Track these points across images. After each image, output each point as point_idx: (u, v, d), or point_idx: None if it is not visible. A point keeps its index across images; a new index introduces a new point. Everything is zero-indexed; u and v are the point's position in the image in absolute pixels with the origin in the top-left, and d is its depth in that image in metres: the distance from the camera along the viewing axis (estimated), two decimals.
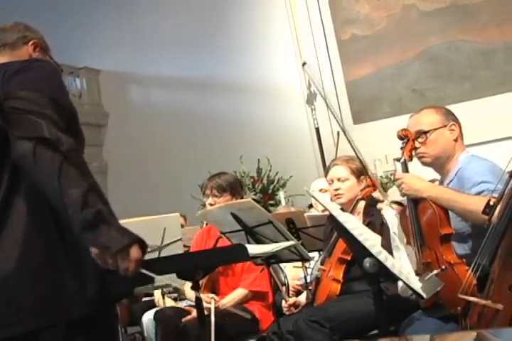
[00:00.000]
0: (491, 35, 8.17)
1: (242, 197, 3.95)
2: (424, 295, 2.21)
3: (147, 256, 2.98)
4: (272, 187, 8.52)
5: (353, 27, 9.03)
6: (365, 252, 2.14)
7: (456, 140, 2.75)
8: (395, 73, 8.72)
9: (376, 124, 8.65)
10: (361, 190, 3.34)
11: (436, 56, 8.53)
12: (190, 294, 4.15)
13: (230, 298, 3.75)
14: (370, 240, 2.18)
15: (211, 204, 3.82)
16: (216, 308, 3.56)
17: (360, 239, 2.16)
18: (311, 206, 5.30)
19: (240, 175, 8.55)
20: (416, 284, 2.20)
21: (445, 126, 2.74)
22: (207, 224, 4.12)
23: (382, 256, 2.13)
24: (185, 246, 3.65)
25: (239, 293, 3.79)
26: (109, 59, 10.51)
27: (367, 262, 2.12)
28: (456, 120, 2.80)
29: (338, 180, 3.40)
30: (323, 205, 2.59)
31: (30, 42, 2.06)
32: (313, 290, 3.41)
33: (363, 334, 3.03)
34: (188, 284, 4.10)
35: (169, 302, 4.36)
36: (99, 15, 10.33)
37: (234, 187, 3.88)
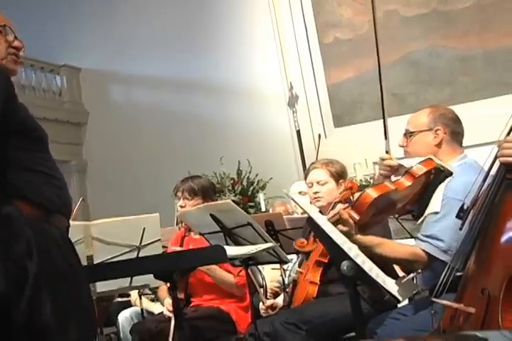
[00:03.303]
0: (471, 42, 8.26)
1: (213, 201, 3.95)
2: (401, 299, 2.24)
3: (126, 256, 3.01)
4: (251, 189, 8.53)
5: (335, 30, 9.06)
6: (343, 255, 2.16)
7: (438, 145, 2.73)
8: (376, 77, 8.74)
9: (357, 128, 8.69)
10: (339, 193, 3.37)
11: (416, 61, 8.61)
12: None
13: (219, 271, 3.72)
14: (348, 243, 2.21)
15: (181, 207, 3.82)
16: (193, 311, 3.57)
17: (338, 241, 2.18)
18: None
19: (220, 176, 8.56)
20: (392, 287, 2.23)
21: (430, 129, 2.73)
22: (184, 224, 4.12)
23: (360, 259, 2.16)
24: (164, 246, 3.65)
25: (228, 277, 3.77)
26: (90, 57, 10.45)
27: (344, 265, 2.14)
28: (448, 124, 2.74)
29: (318, 183, 3.42)
30: (302, 208, 2.61)
31: None
32: (290, 292, 3.43)
33: (340, 336, 3.06)
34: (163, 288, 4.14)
35: (146, 303, 4.35)
36: (82, 12, 10.26)
37: (206, 191, 3.88)
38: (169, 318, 3.47)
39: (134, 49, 9.98)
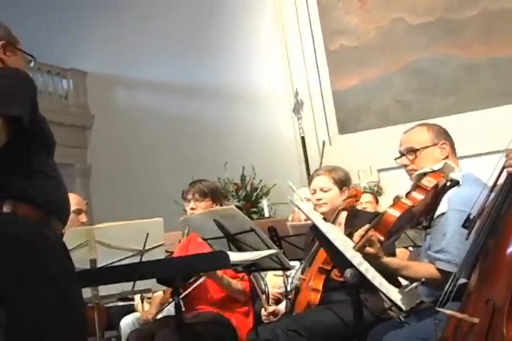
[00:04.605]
0: (476, 51, 8.26)
1: (222, 204, 3.95)
2: (404, 308, 2.22)
3: (129, 260, 2.99)
4: (255, 194, 8.52)
5: (341, 38, 9.08)
6: (346, 263, 2.15)
7: (445, 158, 2.75)
8: (381, 85, 8.77)
9: (361, 135, 8.69)
10: (343, 200, 3.36)
11: (422, 69, 8.61)
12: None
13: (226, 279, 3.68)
14: (352, 251, 2.19)
15: (192, 209, 3.80)
16: (194, 317, 3.54)
17: (341, 249, 2.17)
18: None
19: (224, 181, 8.54)
20: (395, 296, 2.21)
21: (435, 144, 2.75)
22: (189, 230, 4.11)
23: (363, 267, 2.15)
24: (167, 251, 3.64)
25: (236, 283, 3.72)
26: (96, 61, 10.48)
27: (348, 273, 2.13)
28: (447, 138, 2.79)
29: (321, 189, 3.41)
30: (306, 215, 2.60)
31: None
32: (292, 299, 3.41)
33: None
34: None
35: (147, 308, 4.33)
36: (89, 17, 10.29)
37: (215, 193, 3.87)
38: (167, 324, 3.45)
39: (139, 53, 10.00)
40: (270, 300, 3.96)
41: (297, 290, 3.36)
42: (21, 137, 1.76)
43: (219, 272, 3.55)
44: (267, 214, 7.92)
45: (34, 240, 1.74)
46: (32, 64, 2.06)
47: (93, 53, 10.40)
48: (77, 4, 10.39)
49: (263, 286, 4.00)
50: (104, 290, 3.10)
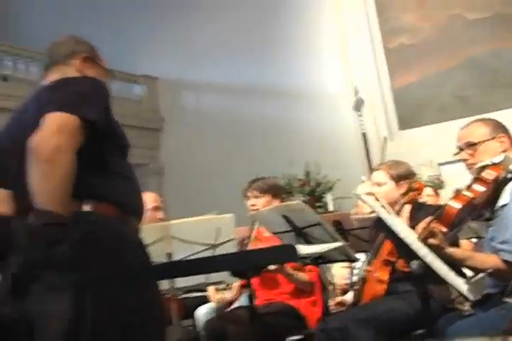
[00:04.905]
0: None
1: (282, 199, 3.95)
2: (471, 298, 2.17)
3: (202, 254, 3.03)
4: (319, 189, 8.49)
5: (400, 36, 8.95)
6: (412, 254, 2.12)
7: (504, 152, 2.68)
8: (440, 80, 8.61)
9: (421, 130, 8.56)
10: (403, 194, 3.31)
11: (480, 64, 8.40)
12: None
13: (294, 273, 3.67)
14: (417, 243, 2.16)
15: (252, 205, 3.84)
16: (264, 307, 3.56)
17: (407, 241, 2.14)
18: None
19: (289, 177, 8.55)
20: (462, 287, 2.17)
21: (494, 138, 2.68)
22: (257, 225, 4.13)
23: (429, 258, 2.11)
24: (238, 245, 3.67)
25: (303, 276, 3.75)
26: (166, 67, 10.63)
27: (413, 264, 2.10)
28: (506, 132, 2.73)
29: (377, 184, 3.40)
30: (372, 208, 2.58)
31: (79, 56, 2.05)
32: (359, 290, 3.38)
33: (408, 333, 3.00)
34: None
35: (220, 298, 4.38)
36: (158, 26, 10.48)
37: (273, 190, 3.89)
38: (239, 316, 3.48)
39: (205, 57, 10.10)
40: (337, 291, 3.94)
41: (363, 281, 3.33)
42: (97, 139, 1.80)
43: (288, 269, 3.57)
44: (331, 209, 7.88)
45: (112, 237, 1.77)
46: (109, 80, 2.10)
47: (163, 60, 10.56)
48: (148, 16, 10.60)
49: (330, 277, 3.99)
50: (180, 282, 3.15)
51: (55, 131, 1.69)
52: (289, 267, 3.60)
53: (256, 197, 3.85)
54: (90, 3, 10.89)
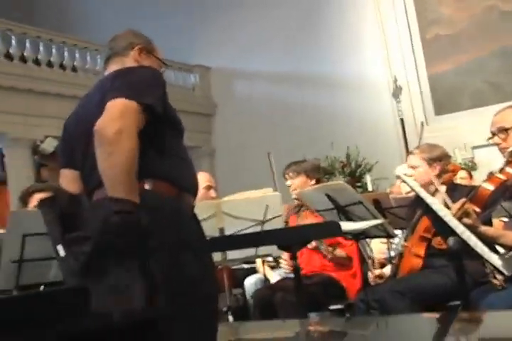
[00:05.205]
0: None
1: (318, 180, 3.96)
2: (506, 272, 2.12)
3: (252, 229, 3.04)
4: (359, 171, 8.44)
5: (436, 27, 8.74)
6: (449, 231, 2.07)
7: None
8: (474, 68, 8.40)
9: (456, 115, 8.39)
10: (437, 176, 3.24)
11: None
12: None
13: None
14: (454, 220, 2.11)
15: (289, 186, 3.92)
16: (308, 278, 3.57)
17: (445, 219, 2.09)
18: None
19: (331, 159, 8.52)
20: (497, 262, 2.12)
21: None
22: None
23: (466, 235, 2.06)
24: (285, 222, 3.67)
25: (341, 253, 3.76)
26: (218, 57, 10.64)
27: (451, 240, 2.05)
28: None
29: (411, 167, 3.35)
30: (412, 188, 2.53)
31: (136, 48, 2.04)
32: (396, 264, 3.35)
33: (443, 304, 2.96)
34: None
35: (266, 270, 4.40)
36: (212, 19, 10.49)
37: (308, 171, 3.93)
38: (286, 284, 3.49)
39: (255, 47, 10.06)
40: (376, 265, 3.91)
41: (400, 256, 3.30)
42: (155, 124, 1.80)
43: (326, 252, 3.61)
44: (370, 189, 7.82)
45: (171, 213, 1.78)
46: (163, 69, 2.10)
47: (215, 50, 10.57)
48: (201, 9, 10.62)
49: (369, 252, 3.95)
50: (231, 254, 3.17)
51: (117, 116, 1.70)
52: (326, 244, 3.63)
53: (291, 178, 3.92)
54: (152, 3, 10.98)
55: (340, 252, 3.72)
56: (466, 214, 2.25)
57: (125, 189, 1.65)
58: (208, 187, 3.97)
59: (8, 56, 8.46)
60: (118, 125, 1.67)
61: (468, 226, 2.20)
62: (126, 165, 1.67)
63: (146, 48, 2.06)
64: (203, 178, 3.84)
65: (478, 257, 2.09)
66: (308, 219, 3.79)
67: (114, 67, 2.00)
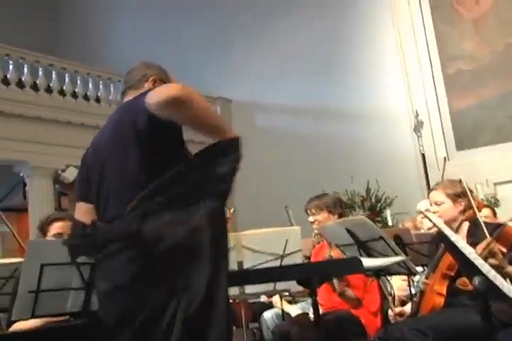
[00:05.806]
0: None
1: (341, 214, 3.93)
2: None
3: (271, 263, 3.00)
4: (379, 205, 8.36)
5: (458, 62, 8.76)
6: (475, 270, 2.02)
7: None
8: (496, 103, 8.37)
9: (478, 151, 8.33)
10: (461, 212, 3.18)
11: None
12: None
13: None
14: (480, 259, 2.06)
15: (312, 222, 3.88)
16: (327, 314, 3.50)
17: (470, 257, 2.04)
18: None
19: (351, 193, 8.46)
20: None
21: None
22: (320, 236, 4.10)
23: (492, 274, 2.01)
24: (304, 256, 3.63)
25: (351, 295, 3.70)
26: (239, 90, 10.75)
27: (476, 280, 2.00)
28: None
29: (435, 203, 3.29)
30: (435, 224, 2.49)
31: (150, 79, 2.07)
32: (417, 301, 3.27)
33: None
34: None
35: (284, 305, 4.33)
36: (234, 52, 10.64)
37: (330, 206, 3.89)
38: (303, 322, 3.43)
39: (274, 80, 10.18)
40: (396, 302, 3.83)
41: (422, 293, 3.22)
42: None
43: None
44: (390, 223, 7.73)
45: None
46: None
47: (236, 83, 10.68)
48: (222, 43, 10.78)
49: (389, 289, 3.88)
50: (249, 288, 3.13)
51: (171, 85, 1.82)
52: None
53: (313, 214, 3.89)
54: (174, 38, 11.16)
55: (350, 293, 3.67)
56: (492, 254, 2.20)
57: (228, 127, 1.90)
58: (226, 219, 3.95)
59: (35, 87, 8.64)
60: (176, 86, 1.76)
61: (494, 267, 2.14)
62: (212, 109, 1.82)
63: (161, 78, 2.08)
64: None
65: (505, 297, 2.02)
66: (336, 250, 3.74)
67: (128, 99, 2.03)
